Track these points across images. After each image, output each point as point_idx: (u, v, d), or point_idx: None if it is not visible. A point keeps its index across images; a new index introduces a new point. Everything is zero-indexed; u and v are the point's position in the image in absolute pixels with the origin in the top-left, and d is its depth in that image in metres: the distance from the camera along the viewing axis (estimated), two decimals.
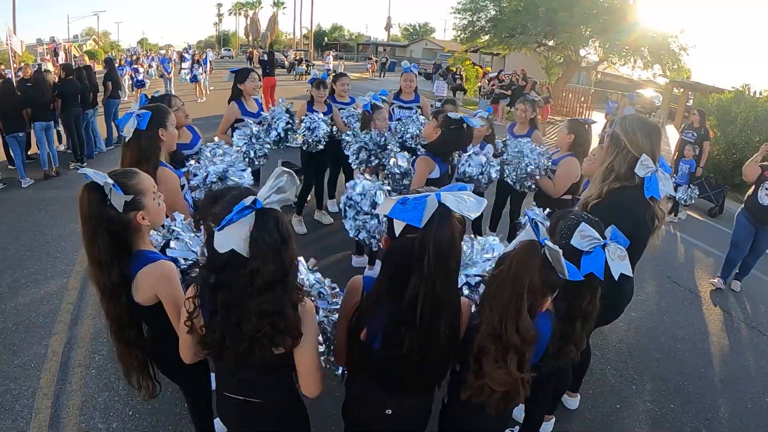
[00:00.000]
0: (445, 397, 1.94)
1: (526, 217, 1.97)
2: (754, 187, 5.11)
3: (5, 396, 3.12)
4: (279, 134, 4.55)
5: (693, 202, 7.69)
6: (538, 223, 1.52)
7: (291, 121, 4.66)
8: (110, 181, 1.73)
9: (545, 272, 1.54)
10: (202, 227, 1.50)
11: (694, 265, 6.21)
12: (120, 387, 3.22)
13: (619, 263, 1.83)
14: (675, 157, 8.46)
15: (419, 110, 5.50)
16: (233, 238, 1.37)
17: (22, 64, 10.26)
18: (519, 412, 2.93)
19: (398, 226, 1.46)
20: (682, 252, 6.69)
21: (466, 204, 1.42)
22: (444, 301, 1.52)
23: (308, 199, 5.94)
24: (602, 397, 3.51)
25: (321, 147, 4.96)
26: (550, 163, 4.00)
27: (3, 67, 9.25)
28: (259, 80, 4.76)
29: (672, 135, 15.56)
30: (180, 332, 1.62)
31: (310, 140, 4.87)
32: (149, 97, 3.59)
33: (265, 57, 15.21)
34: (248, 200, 1.37)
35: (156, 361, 2.09)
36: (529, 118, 4.88)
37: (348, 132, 4.75)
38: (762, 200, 4.98)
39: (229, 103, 4.72)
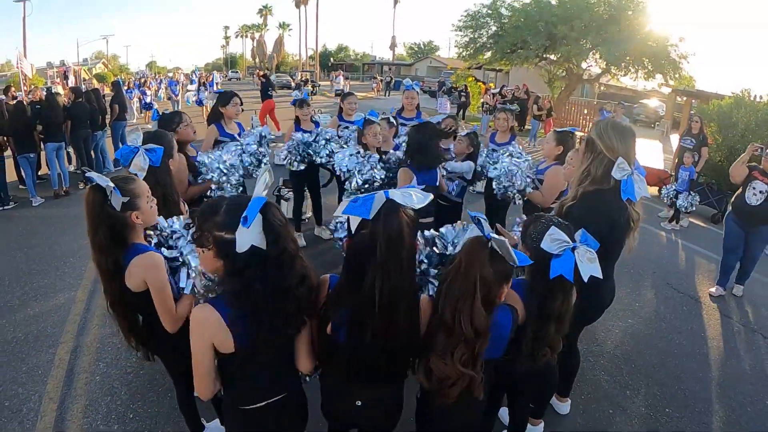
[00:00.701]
0: (418, 392, 2.01)
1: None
2: (741, 188, 5.11)
3: (13, 400, 3.23)
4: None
5: (694, 209, 7.70)
6: (481, 220, 1.64)
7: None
8: (111, 184, 2.00)
9: (495, 263, 1.66)
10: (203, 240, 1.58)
11: (695, 272, 6.21)
12: (122, 392, 3.33)
13: (588, 265, 1.87)
14: (675, 165, 8.50)
15: None
16: (251, 235, 1.50)
17: (32, 87, 10.56)
18: (505, 414, 2.98)
19: (354, 223, 1.62)
20: (683, 259, 6.69)
21: (412, 198, 1.59)
22: (400, 290, 1.64)
23: (308, 215, 6.02)
24: (595, 403, 3.51)
25: (302, 167, 5.06)
26: (535, 175, 4.07)
27: (14, 89, 9.54)
28: (241, 104, 4.80)
29: (676, 144, 15.56)
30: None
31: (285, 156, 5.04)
32: (161, 114, 3.79)
33: (263, 80, 15.22)
34: (256, 200, 1.52)
35: (149, 343, 2.35)
36: (510, 126, 5.14)
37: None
38: (749, 200, 4.98)
39: (208, 125, 4.74)
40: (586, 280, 1.87)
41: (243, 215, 1.48)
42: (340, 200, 6.15)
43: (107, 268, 2.09)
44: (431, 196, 1.70)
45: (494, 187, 4.21)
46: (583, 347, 3.92)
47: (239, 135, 4.65)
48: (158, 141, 2.78)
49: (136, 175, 2.55)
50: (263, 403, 1.76)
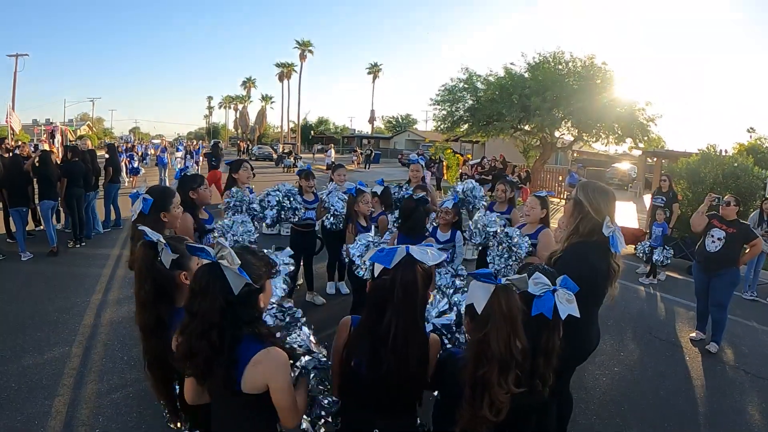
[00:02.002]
0: (431, 429, 2.21)
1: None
2: (702, 236, 5.42)
3: None
4: (275, 214, 5.02)
5: (669, 262, 8.02)
6: (489, 273, 1.91)
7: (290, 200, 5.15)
8: (163, 240, 2.10)
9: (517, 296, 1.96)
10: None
11: (675, 320, 6.44)
12: None
13: (567, 306, 2.10)
14: (648, 222, 8.91)
15: None
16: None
17: (20, 143, 10.74)
18: None
19: (377, 269, 1.94)
20: (663, 309, 6.93)
21: (428, 255, 1.93)
22: (412, 329, 1.91)
23: (300, 282, 6.17)
24: None
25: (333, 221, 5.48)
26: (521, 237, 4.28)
27: (11, 142, 9.74)
28: (252, 170, 5.20)
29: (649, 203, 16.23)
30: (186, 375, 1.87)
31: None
32: (184, 174, 4.06)
33: (210, 150, 15.21)
34: (212, 251, 1.77)
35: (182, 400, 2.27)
36: (508, 197, 5.38)
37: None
38: (708, 247, 5.28)
39: (226, 190, 5.14)
40: (563, 318, 2.10)
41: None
42: (330, 267, 6.39)
43: (148, 324, 2.10)
44: (444, 255, 2.00)
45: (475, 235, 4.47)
46: (574, 395, 4.00)
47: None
48: (153, 193, 3.03)
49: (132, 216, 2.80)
50: None
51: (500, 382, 1.84)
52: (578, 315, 2.10)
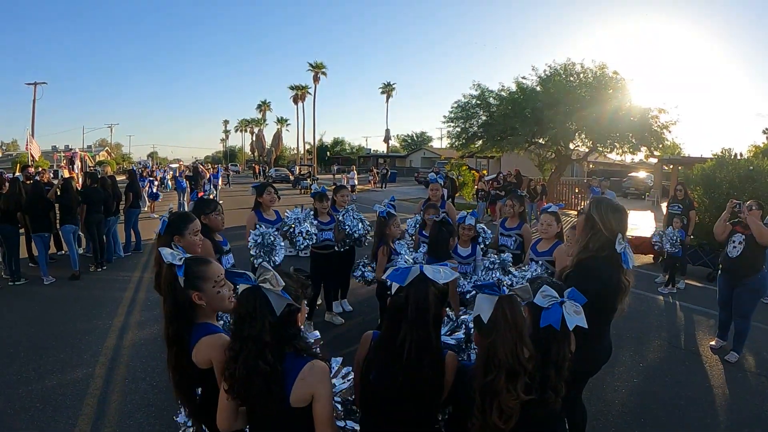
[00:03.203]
0: None
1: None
2: (726, 244, 5.37)
3: None
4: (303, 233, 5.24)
5: (678, 247, 7.82)
6: (492, 285, 2.00)
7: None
8: (177, 262, 2.19)
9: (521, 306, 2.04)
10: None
11: (695, 329, 6.34)
12: None
13: (574, 317, 2.13)
14: (665, 230, 8.79)
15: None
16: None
17: (40, 169, 11.06)
18: None
19: (394, 287, 2.03)
20: (682, 318, 6.83)
21: (440, 274, 2.01)
22: (425, 344, 1.96)
23: (319, 302, 6.22)
24: None
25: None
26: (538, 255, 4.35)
27: (31, 169, 10.03)
28: (275, 193, 5.37)
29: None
30: (220, 397, 1.93)
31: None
32: (200, 197, 4.19)
33: (190, 173, 15.65)
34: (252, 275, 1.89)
35: (204, 418, 2.32)
36: (518, 212, 5.36)
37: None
38: (730, 253, 5.23)
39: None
40: (571, 329, 2.14)
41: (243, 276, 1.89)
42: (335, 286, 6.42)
43: (170, 336, 2.20)
44: (457, 274, 2.11)
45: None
46: (592, 407, 4.01)
47: (276, 222, 5.24)
48: (171, 216, 3.20)
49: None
50: None
51: (508, 389, 1.88)
52: (586, 326, 2.12)
